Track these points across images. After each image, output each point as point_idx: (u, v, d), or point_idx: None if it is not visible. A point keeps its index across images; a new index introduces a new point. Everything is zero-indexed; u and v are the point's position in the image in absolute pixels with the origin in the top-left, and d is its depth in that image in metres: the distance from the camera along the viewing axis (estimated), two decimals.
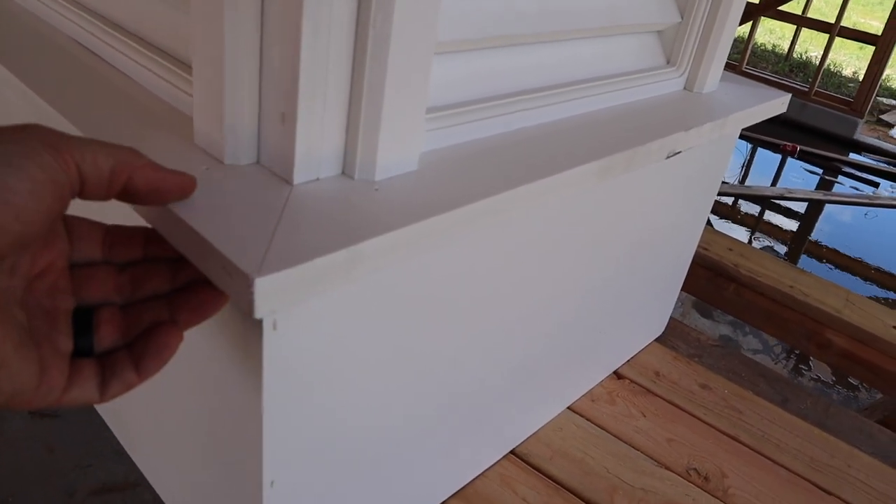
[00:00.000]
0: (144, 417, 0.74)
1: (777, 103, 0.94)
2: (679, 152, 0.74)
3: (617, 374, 1.05)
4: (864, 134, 4.93)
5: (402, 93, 0.47)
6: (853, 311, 1.27)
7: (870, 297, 1.66)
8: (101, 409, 0.88)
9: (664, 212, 0.93)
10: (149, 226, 0.43)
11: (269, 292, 0.38)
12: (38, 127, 0.33)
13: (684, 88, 0.88)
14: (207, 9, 0.44)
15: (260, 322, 0.46)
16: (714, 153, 0.98)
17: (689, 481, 0.89)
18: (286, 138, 0.46)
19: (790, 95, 0.97)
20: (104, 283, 0.40)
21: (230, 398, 0.53)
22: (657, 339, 1.14)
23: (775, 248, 3.43)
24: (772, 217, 3.73)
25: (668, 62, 0.86)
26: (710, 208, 1.07)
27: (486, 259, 0.63)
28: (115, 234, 0.41)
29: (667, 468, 0.90)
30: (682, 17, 0.83)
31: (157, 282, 0.41)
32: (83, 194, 0.34)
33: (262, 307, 0.39)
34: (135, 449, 0.82)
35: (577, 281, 0.82)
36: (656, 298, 1.08)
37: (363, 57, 0.45)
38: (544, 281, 0.75)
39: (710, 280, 1.31)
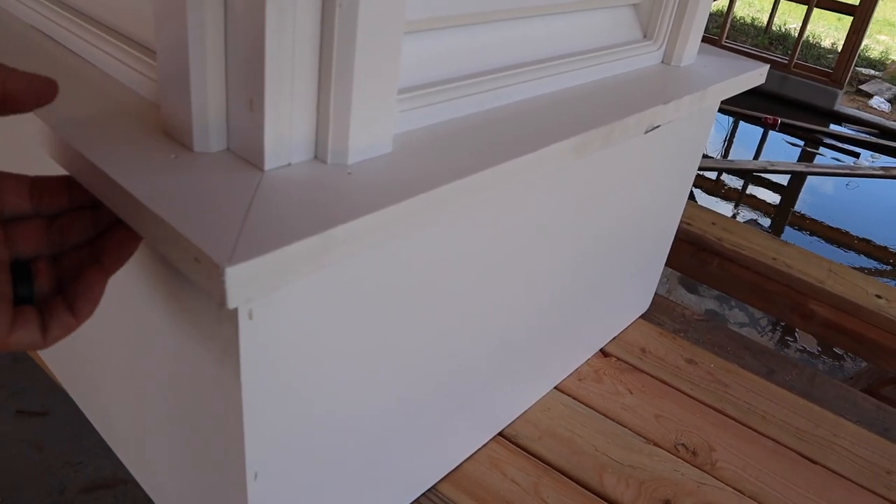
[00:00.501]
0: (127, 415, 0.73)
1: (755, 74, 0.93)
2: (658, 126, 0.73)
3: (603, 352, 1.05)
4: (843, 105, 4.96)
5: (371, 74, 0.46)
6: (836, 282, 1.28)
7: (854, 268, 1.67)
8: (86, 408, 0.87)
9: (645, 187, 0.93)
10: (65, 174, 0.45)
11: (241, 281, 0.38)
12: None
13: (662, 62, 0.87)
14: None
15: (235, 312, 0.45)
16: (694, 127, 0.98)
17: (678, 456, 0.89)
18: (255, 124, 0.45)
19: (768, 66, 0.97)
20: (36, 238, 0.42)
21: (209, 391, 0.52)
22: (642, 316, 1.15)
23: (759, 221, 3.46)
24: (755, 190, 3.75)
25: (644, 36, 0.85)
26: (691, 183, 1.06)
27: (464, 241, 0.63)
28: (40, 185, 0.44)
29: (655, 444, 0.90)
30: None
31: (82, 229, 0.45)
32: None
33: (235, 297, 0.38)
34: (120, 447, 0.81)
35: (560, 259, 0.81)
36: (640, 275, 1.08)
37: (330, 38, 0.44)
38: (526, 260, 0.74)
39: (693, 255, 1.31)
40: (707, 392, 1.01)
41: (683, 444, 0.91)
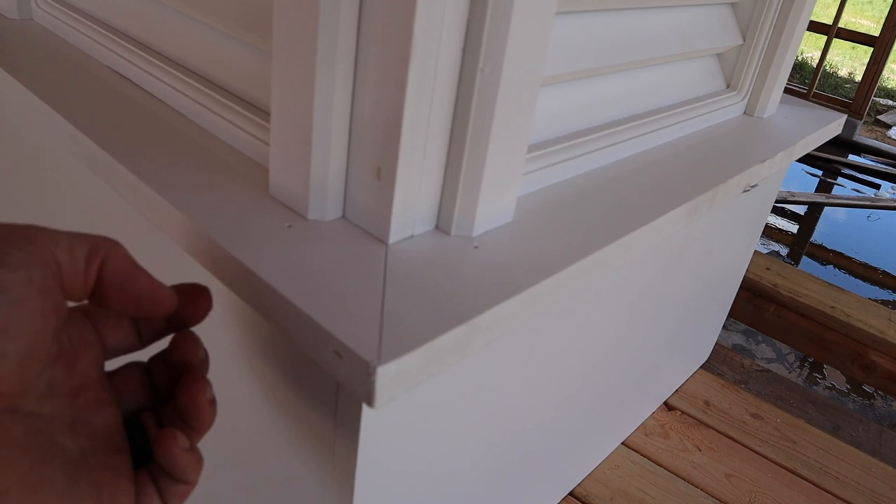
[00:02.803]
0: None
1: (834, 126, 0.90)
2: (755, 185, 0.70)
3: (667, 405, 1.01)
4: (862, 135, 4.93)
5: (505, 139, 0.43)
6: None
7: (878, 300, 1.62)
8: None
9: (722, 242, 0.90)
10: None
11: (390, 380, 0.34)
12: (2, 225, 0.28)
13: (745, 113, 0.84)
14: (296, 51, 0.40)
15: (357, 402, 0.41)
16: (768, 181, 0.95)
17: None
18: (382, 194, 0.42)
19: (845, 117, 0.94)
20: (140, 384, 0.36)
21: (312, 475, 0.49)
22: (703, 366, 1.11)
23: (780, 251, 3.42)
24: (773, 220, 3.71)
25: (727, 86, 0.82)
26: (759, 234, 1.03)
27: (570, 310, 0.60)
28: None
29: None
30: (744, 39, 0.79)
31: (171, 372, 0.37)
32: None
33: (383, 396, 0.34)
34: None
35: (639, 316, 0.78)
36: (705, 325, 1.04)
37: (468, 103, 0.41)
38: (613, 321, 0.71)
39: (749, 301, 1.28)
40: (777, 450, 0.97)
41: None
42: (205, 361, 0.36)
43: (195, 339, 0.36)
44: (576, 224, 0.49)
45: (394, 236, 0.43)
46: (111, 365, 0.35)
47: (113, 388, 0.34)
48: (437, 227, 0.46)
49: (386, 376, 0.34)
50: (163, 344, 0.37)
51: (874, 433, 1.06)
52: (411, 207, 0.43)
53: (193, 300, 0.36)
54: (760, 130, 0.79)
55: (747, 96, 0.83)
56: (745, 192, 0.69)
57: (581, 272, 0.46)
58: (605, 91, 0.62)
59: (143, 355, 0.37)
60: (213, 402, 0.35)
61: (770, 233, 3.56)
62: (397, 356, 0.34)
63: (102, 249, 0.31)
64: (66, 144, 0.53)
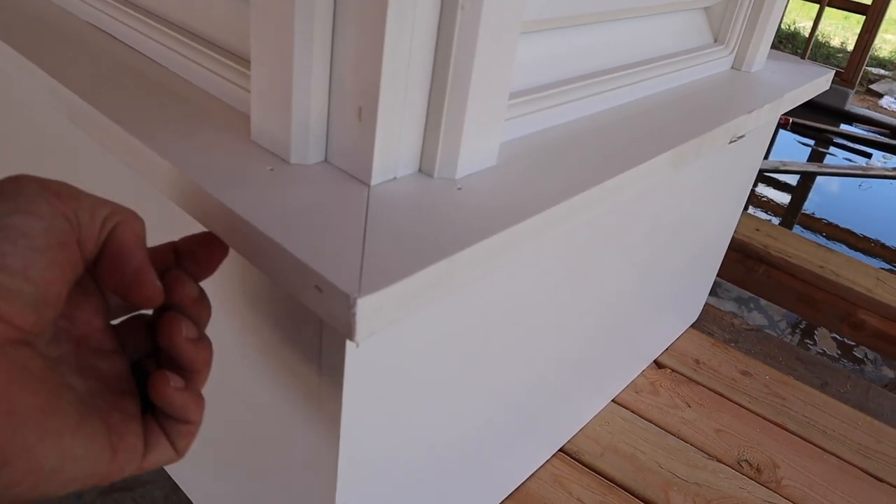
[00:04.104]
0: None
1: (822, 80, 0.90)
2: (742, 136, 0.70)
3: (657, 364, 1.02)
4: (854, 104, 4.93)
5: (487, 79, 0.43)
6: (885, 290, 1.25)
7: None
8: None
9: (708, 197, 0.90)
10: (175, 239, 0.38)
11: (370, 312, 0.34)
12: (29, 178, 0.30)
13: (732, 67, 0.84)
14: None
15: (341, 340, 0.42)
16: (756, 136, 0.95)
17: (742, 473, 0.86)
18: (364, 135, 0.41)
19: (833, 72, 0.93)
20: (144, 334, 0.36)
21: (300, 417, 0.49)
22: (692, 325, 1.11)
23: (772, 221, 3.42)
24: (764, 190, 3.71)
25: (715, 40, 0.82)
26: (748, 192, 1.03)
27: (557, 258, 0.60)
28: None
29: (718, 460, 0.87)
30: None
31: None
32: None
33: (364, 330, 0.35)
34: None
35: (628, 271, 0.78)
36: (694, 284, 1.05)
37: (449, 42, 0.40)
38: (596, 275, 0.71)
39: (739, 262, 1.28)
40: (765, 405, 0.98)
41: (747, 461, 0.88)
42: (198, 301, 0.36)
43: (181, 278, 0.36)
44: (560, 168, 0.49)
45: (376, 178, 0.43)
46: None
47: (118, 337, 0.35)
48: (420, 169, 0.45)
49: (366, 309, 0.34)
50: None
51: (861, 389, 1.07)
52: (393, 148, 0.43)
53: (207, 248, 0.37)
54: (748, 84, 0.79)
55: (735, 50, 0.82)
56: (731, 142, 0.69)
57: (564, 214, 0.46)
58: (590, 40, 0.62)
59: None
60: (195, 340, 0.35)
61: (762, 203, 3.57)
62: (377, 289, 0.34)
63: (118, 217, 0.32)
64: (47, 99, 0.53)
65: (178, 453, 0.34)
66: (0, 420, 0.26)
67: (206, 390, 0.36)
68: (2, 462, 0.26)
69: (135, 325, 0.36)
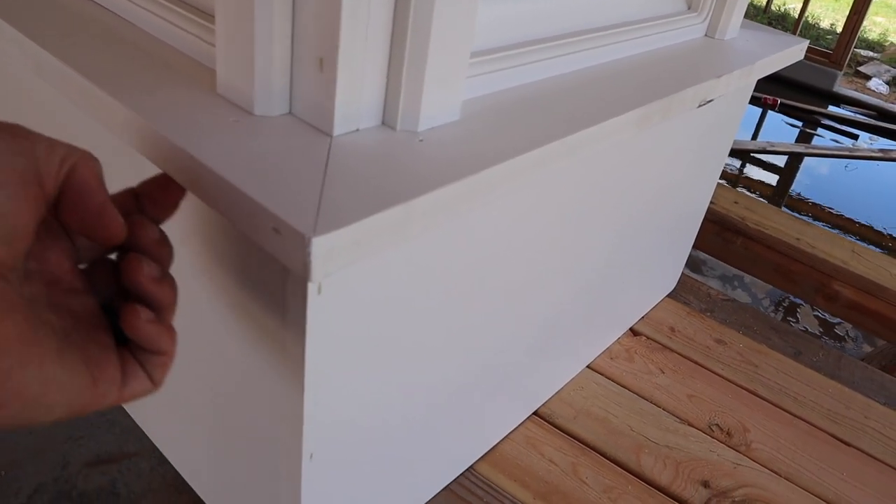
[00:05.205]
0: (162, 393, 0.71)
1: (796, 50, 0.91)
2: (711, 100, 0.71)
3: (633, 331, 1.03)
4: (842, 86, 4.94)
5: (448, 34, 0.43)
6: (860, 262, 1.27)
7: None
8: None
9: (683, 165, 0.91)
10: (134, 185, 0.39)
11: (325, 253, 0.35)
12: None
13: (705, 35, 0.84)
14: None
15: (304, 287, 0.42)
16: (731, 105, 0.96)
17: (713, 437, 0.88)
18: (325, 86, 0.42)
19: (807, 42, 0.94)
20: (110, 275, 0.37)
21: (266, 368, 0.50)
22: (669, 295, 1.13)
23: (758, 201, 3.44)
24: (752, 171, 3.73)
25: (688, 7, 0.83)
26: (723, 163, 1.04)
27: (515, 218, 0.61)
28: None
29: (689, 424, 0.89)
30: None
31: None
32: None
33: (319, 270, 0.35)
34: (149, 422, 0.79)
35: (601, 235, 0.79)
36: (670, 253, 1.06)
37: None
38: (567, 238, 0.72)
39: (717, 234, 1.29)
40: (738, 373, 0.99)
41: (718, 425, 0.90)
42: (160, 242, 0.37)
43: (141, 221, 0.37)
44: (522, 124, 0.50)
45: (338, 129, 0.43)
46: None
47: (87, 280, 0.36)
48: (383, 122, 0.46)
49: (321, 248, 0.35)
50: None
51: (833, 358, 1.09)
52: (355, 99, 0.43)
53: (165, 189, 0.38)
54: (720, 50, 0.80)
55: (708, 17, 0.83)
56: (700, 106, 0.69)
57: (524, 167, 0.47)
58: (560, 3, 0.62)
59: None
60: (159, 279, 0.36)
61: (749, 183, 3.58)
62: (332, 229, 0.35)
63: (75, 156, 0.32)
64: (13, 53, 0.53)
65: (155, 384, 0.36)
66: None
67: (178, 346, 0.38)
68: None
69: (102, 268, 0.37)
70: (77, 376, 0.31)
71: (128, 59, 0.50)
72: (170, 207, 0.39)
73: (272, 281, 0.46)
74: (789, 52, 0.89)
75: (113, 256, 0.38)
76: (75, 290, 0.35)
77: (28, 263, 0.32)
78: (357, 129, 0.45)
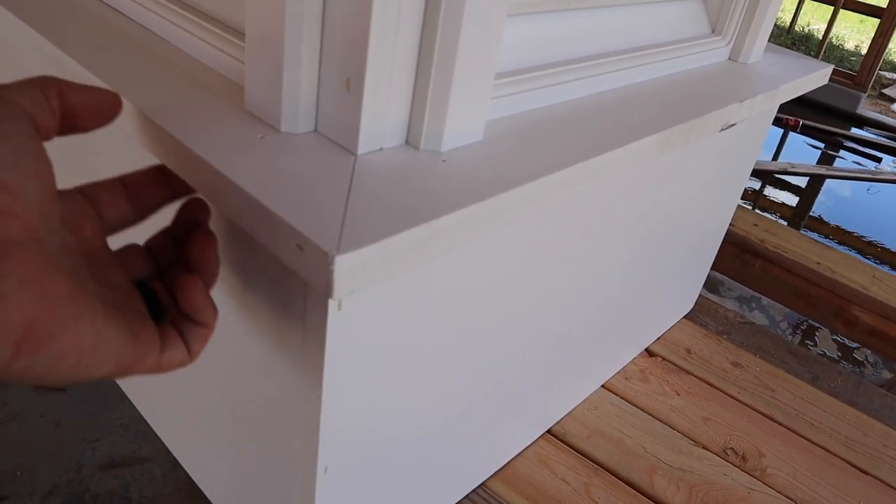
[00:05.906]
0: (179, 399, 0.72)
1: (820, 75, 0.91)
2: (733, 125, 0.71)
3: (649, 352, 1.03)
4: (866, 108, 4.90)
5: (473, 56, 0.44)
6: (880, 288, 1.25)
7: None
8: (126, 384, 0.86)
9: (702, 186, 0.91)
10: (156, 163, 0.43)
11: (348, 271, 0.36)
12: None
13: (729, 58, 0.84)
14: None
15: (324, 303, 0.43)
16: (753, 127, 0.95)
17: (727, 461, 0.87)
18: (351, 105, 0.43)
19: (831, 67, 0.94)
20: (141, 257, 0.41)
21: (283, 380, 0.51)
22: (686, 316, 1.12)
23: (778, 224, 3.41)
24: (773, 192, 3.70)
25: (712, 31, 0.83)
26: (744, 184, 1.04)
27: (537, 238, 0.61)
28: (134, 185, 0.41)
29: (704, 447, 0.88)
30: None
31: (172, 241, 0.43)
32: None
33: (341, 287, 0.36)
34: (164, 427, 0.80)
35: (619, 255, 0.79)
36: (688, 274, 1.06)
37: (436, 15, 0.42)
38: (587, 258, 0.72)
39: (736, 256, 1.29)
40: (755, 397, 0.99)
41: (733, 449, 0.89)
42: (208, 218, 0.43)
43: (202, 203, 0.43)
44: (545, 145, 0.51)
45: (362, 147, 0.44)
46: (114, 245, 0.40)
47: (120, 258, 0.39)
48: (407, 141, 0.47)
49: (344, 267, 0.35)
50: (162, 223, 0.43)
51: (852, 384, 1.07)
52: (380, 119, 0.44)
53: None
54: (743, 74, 0.80)
55: (732, 41, 0.83)
56: (723, 130, 0.69)
57: (546, 189, 0.47)
58: (584, 25, 0.63)
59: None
60: (218, 257, 0.41)
61: (770, 205, 3.56)
62: (355, 248, 0.35)
63: (52, 84, 0.33)
64: (47, 63, 0.54)
65: (192, 355, 0.38)
66: (38, 301, 0.28)
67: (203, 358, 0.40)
68: (48, 337, 0.28)
69: (135, 250, 0.41)
70: (122, 333, 0.32)
71: (158, 73, 0.51)
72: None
73: (293, 295, 0.46)
74: (813, 77, 0.89)
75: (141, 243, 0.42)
76: (111, 264, 0.37)
77: (65, 237, 0.33)
78: (381, 148, 0.45)
